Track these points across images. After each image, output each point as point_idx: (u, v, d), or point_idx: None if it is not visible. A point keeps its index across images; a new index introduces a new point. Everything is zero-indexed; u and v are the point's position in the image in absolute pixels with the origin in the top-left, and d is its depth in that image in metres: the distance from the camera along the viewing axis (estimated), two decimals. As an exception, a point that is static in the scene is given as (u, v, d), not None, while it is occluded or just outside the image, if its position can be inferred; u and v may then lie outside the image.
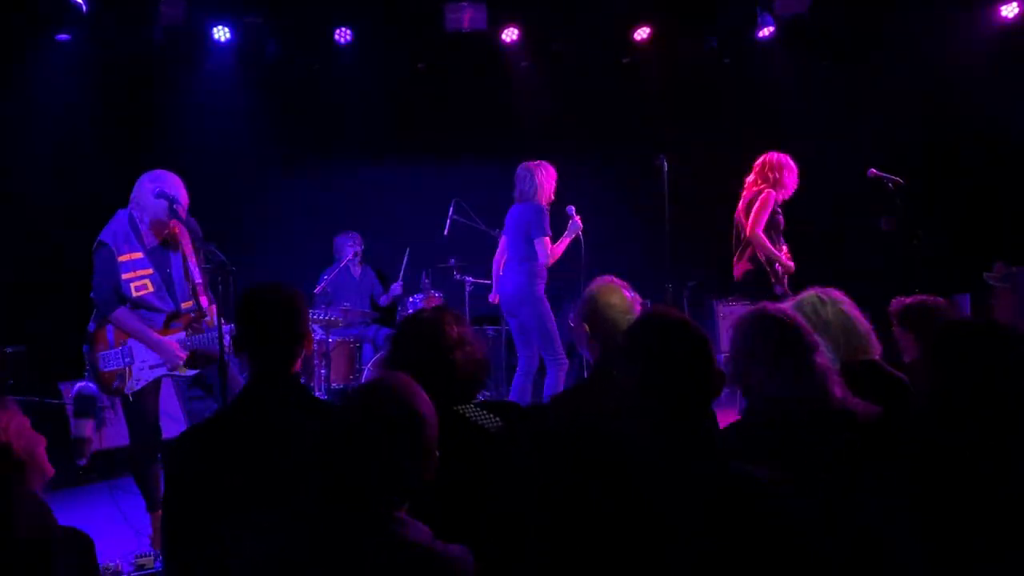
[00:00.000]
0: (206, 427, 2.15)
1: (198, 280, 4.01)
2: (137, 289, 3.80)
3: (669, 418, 1.73)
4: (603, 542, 1.69)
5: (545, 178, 5.46)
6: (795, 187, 5.57)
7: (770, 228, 5.47)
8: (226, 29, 6.72)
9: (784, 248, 5.56)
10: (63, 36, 6.48)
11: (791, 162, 5.57)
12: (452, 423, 2.16)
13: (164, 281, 3.90)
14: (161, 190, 3.82)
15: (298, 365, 2.20)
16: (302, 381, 6.13)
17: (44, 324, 6.08)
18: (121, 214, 3.90)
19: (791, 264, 5.51)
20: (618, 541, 1.67)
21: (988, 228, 6.87)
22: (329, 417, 1.65)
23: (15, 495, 1.57)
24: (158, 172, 3.91)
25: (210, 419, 2.20)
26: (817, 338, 2.22)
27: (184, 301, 3.97)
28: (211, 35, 6.71)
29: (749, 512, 1.64)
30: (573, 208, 5.50)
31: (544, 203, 5.45)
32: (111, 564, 3.60)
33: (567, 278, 5.82)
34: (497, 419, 2.23)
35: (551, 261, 5.41)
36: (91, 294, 3.87)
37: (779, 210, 5.57)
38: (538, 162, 5.51)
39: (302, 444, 1.98)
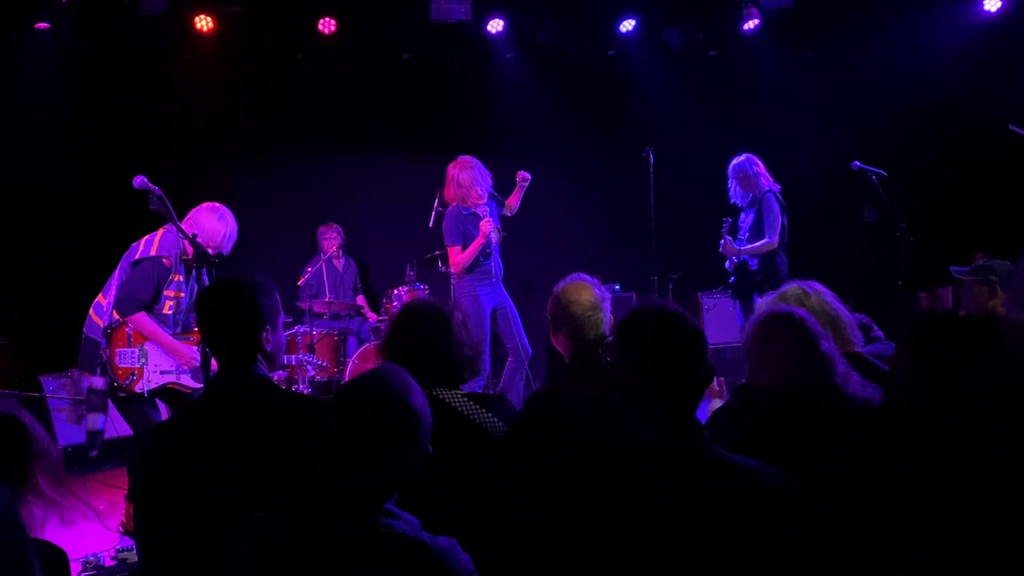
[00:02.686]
0: (171, 423, 2.14)
1: None
2: (169, 308, 4.06)
3: (663, 410, 1.73)
4: (600, 537, 1.69)
5: (456, 178, 5.39)
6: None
7: None
8: (208, 19, 6.65)
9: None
10: (42, 25, 6.39)
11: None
12: (443, 416, 2.16)
13: (187, 302, 4.15)
14: (225, 223, 4.11)
15: (266, 357, 2.17)
16: (285, 375, 6.12)
17: (25, 317, 6.03)
18: (173, 232, 4.02)
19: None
20: (615, 536, 1.67)
21: (971, 220, 6.92)
22: (323, 412, 1.63)
23: None
24: (216, 205, 4.17)
25: (176, 415, 2.20)
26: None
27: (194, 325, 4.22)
28: (193, 25, 6.64)
29: (746, 506, 1.65)
30: (487, 209, 5.44)
31: (459, 204, 5.40)
32: (91, 557, 3.59)
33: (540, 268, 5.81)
34: (488, 413, 2.24)
35: (457, 271, 5.40)
36: (117, 291, 4.00)
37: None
38: (457, 159, 5.46)
39: (265, 438, 1.99)
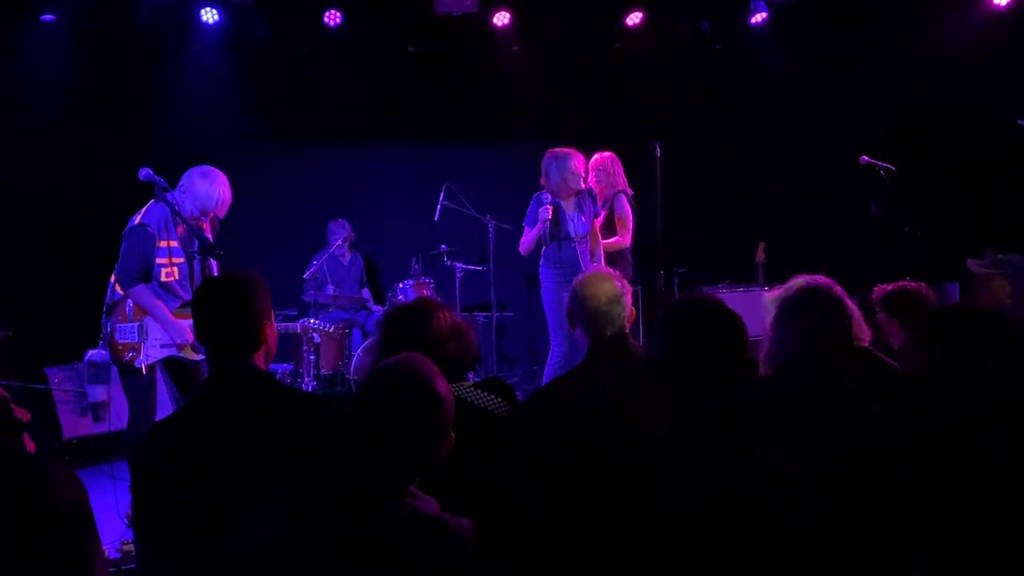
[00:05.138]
0: (170, 421, 2.15)
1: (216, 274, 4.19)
2: (167, 275, 4.04)
3: (683, 404, 1.71)
4: (598, 535, 1.69)
5: (550, 167, 5.29)
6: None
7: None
8: (214, 11, 6.63)
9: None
10: (48, 16, 6.39)
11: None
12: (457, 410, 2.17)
13: (190, 270, 4.13)
14: (217, 187, 4.08)
15: (261, 352, 2.17)
16: (289, 368, 6.12)
17: (30, 309, 6.04)
18: (162, 204, 4.03)
19: None
20: (614, 535, 1.67)
21: (978, 216, 6.89)
22: (353, 396, 1.72)
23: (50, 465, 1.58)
24: (209, 168, 4.13)
25: (174, 413, 2.21)
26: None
27: None
28: (199, 16, 6.63)
29: (753, 500, 1.63)
30: (548, 196, 5.27)
31: (550, 191, 5.30)
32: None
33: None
34: (497, 398, 2.24)
35: (522, 250, 5.38)
36: (116, 267, 4.03)
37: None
38: (556, 151, 5.34)
39: (267, 434, 1.99)
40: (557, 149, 5.33)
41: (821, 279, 2.74)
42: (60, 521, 1.37)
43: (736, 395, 1.72)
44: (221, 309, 2.14)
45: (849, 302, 2.72)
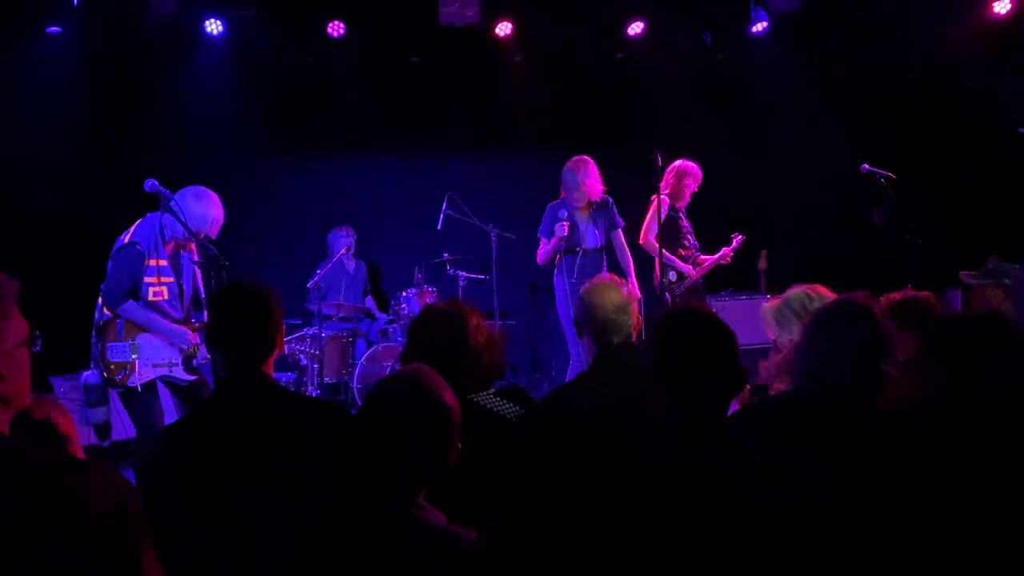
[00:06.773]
0: (179, 427, 2.17)
1: (203, 295, 4.18)
2: (155, 295, 3.98)
3: (689, 409, 1.74)
4: (602, 536, 1.70)
5: (569, 176, 5.45)
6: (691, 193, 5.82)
7: (667, 234, 5.59)
8: (218, 22, 6.67)
9: (685, 252, 5.85)
10: (54, 29, 6.44)
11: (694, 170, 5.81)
12: (471, 413, 2.17)
13: (179, 290, 4.09)
14: (211, 208, 4.03)
15: (270, 363, 2.20)
16: (294, 376, 6.14)
17: (35, 318, 6.05)
18: (152, 219, 4.02)
19: (688, 267, 5.78)
20: (617, 536, 1.68)
21: (980, 224, 6.89)
22: (361, 407, 1.73)
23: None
24: (202, 189, 4.08)
25: (183, 419, 2.23)
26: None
27: (191, 312, 4.20)
28: (203, 28, 6.67)
29: (753, 501, 1.65)
30: (565, 212, 5.45)
31: (569, 201, 5.47)
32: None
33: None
34: (516, 407, 2.26)
35: (539, 260, 5.51)
36: (101, 286, 3.98)
37: (679, 215, 5.86)
38: (575, 160, 5.49)
39: (274, 435, 2.02)
40: (576, 158, 5.48)
41: (821, 288, 2.76)
42: (100, 521, 1.37)
43: (727, 401, 1.75)
44: (243, 315, 2.16)
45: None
